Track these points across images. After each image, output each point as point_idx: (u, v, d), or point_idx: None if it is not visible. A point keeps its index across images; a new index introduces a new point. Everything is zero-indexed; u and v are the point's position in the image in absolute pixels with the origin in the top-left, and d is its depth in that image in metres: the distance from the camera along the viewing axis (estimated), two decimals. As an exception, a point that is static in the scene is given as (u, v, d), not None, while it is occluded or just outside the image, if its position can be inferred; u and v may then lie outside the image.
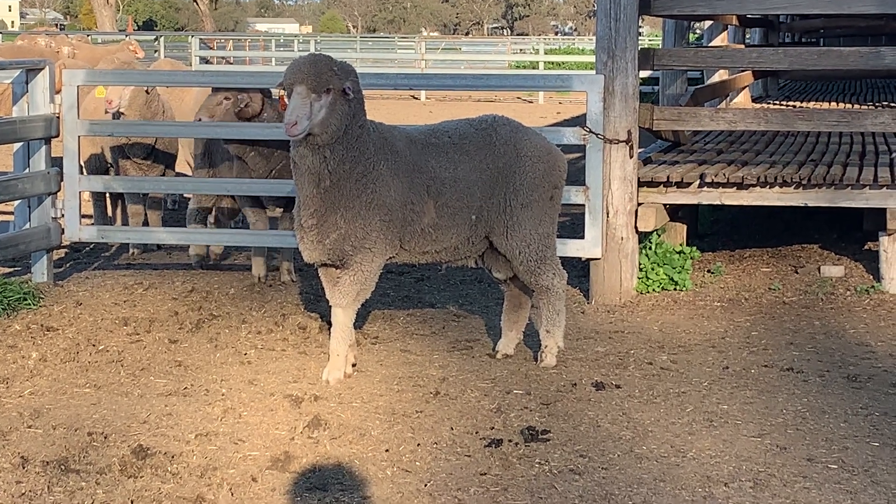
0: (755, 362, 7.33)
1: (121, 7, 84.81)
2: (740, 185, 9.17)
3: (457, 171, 7.01)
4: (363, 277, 6.85)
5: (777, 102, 17.75)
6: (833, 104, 17.56)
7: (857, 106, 16.88)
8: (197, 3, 61.13)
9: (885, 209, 9.03)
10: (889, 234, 9.03)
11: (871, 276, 9.29)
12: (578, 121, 9.20)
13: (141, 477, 5.42)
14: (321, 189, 6.64)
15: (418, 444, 5.87)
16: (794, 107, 16.43)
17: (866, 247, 9.94)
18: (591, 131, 8.85)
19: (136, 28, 78.14)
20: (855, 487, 5.33)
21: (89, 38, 35.14)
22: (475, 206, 7.07)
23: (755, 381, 6.94)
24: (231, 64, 44.55)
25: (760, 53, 10.50)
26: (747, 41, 20.45)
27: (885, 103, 17.72)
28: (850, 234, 10.50)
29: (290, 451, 5.73)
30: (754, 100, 17.91)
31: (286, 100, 6.51)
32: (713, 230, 11.75)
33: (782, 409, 6.42)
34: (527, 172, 7.13)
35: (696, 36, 30.30)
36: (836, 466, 5.59)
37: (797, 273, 9.61)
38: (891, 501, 5.21)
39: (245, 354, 7.45)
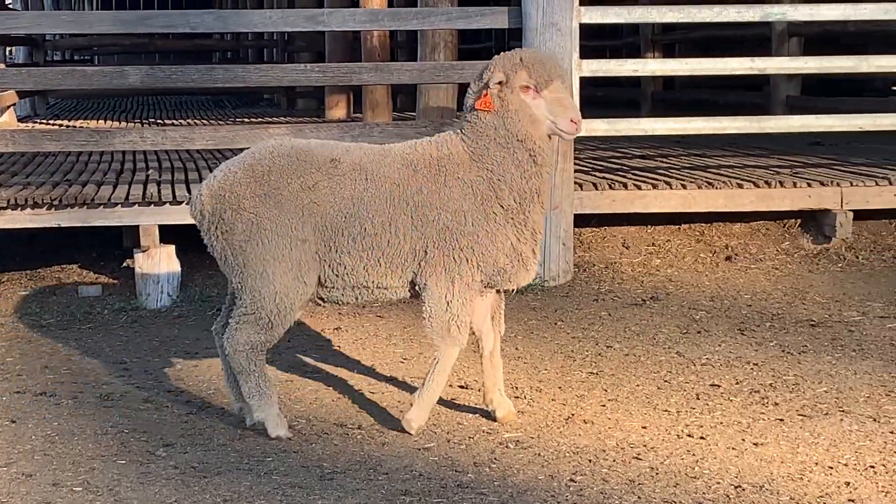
0: (8, 389, 7.14)
1: None
2: (-9, 209, 8.98)
3: None
4: None
5: (44, 121, 17.67)
6: (101, 122, 17.74)
7: (112, 123, 17.21)
8: None
9: (138, 226, 9.24)
10: (143, 251, 9.21)
11: (130, 293, 9.41)
12: None
13: None
14: None
15: None
16: (63, 125, 16.43)
17: (125, 264, 10.06)
18: None
19: None
20: (95, 508, 5.34)
21: None
22: None
23: (6, 408, 6.75)
24: None
25: (3, 73, 10.35)
26: (11, 59, 20.16)
27: (152, 120, 18.16)
28: (113, 252, 10.57)
29: None
30: (21, 119, 17.65)
31: (523, 95, 5.71)
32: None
33: (31, 436, 6.29)
34: None
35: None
36: (80, 489, 5.55)
37: (55, 295, 9.51)
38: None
39: None
